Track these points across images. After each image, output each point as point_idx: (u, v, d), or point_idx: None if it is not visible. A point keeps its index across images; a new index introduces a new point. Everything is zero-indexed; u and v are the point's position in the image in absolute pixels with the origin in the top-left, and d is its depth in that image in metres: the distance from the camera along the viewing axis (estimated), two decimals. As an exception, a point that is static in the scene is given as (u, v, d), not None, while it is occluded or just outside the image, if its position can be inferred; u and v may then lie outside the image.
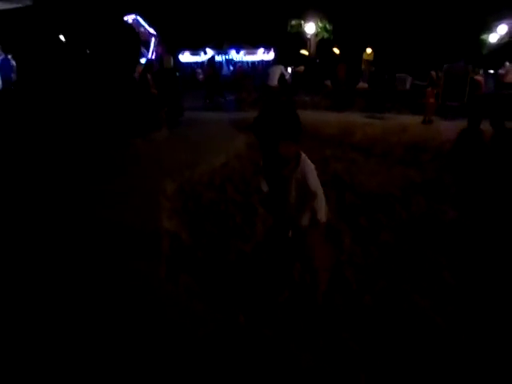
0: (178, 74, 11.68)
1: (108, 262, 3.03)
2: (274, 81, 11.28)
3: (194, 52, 23.79)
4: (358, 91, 14.16)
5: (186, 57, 23.88)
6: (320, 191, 2.31)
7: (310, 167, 2.26)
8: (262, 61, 22.40)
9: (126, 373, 1.99)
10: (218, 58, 22.68)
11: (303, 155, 2.27)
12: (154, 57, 19.14)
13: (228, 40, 23.02)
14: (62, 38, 11.48)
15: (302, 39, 23.27)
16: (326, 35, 23.41)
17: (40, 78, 9.47)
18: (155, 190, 4.62)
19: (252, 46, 22.84)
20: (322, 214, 2.34)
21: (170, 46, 20.82)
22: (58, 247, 3.28)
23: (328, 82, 15.45)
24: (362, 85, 15.02)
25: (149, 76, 9.72)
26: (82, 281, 2.79)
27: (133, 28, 16.28)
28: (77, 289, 2.71)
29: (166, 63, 11.97)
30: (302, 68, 18.56)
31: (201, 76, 10.90)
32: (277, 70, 11.65)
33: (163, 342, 2.19)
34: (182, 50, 23.51)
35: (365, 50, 19.32)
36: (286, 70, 13.83)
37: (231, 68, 22.74)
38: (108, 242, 3.36)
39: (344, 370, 2.07)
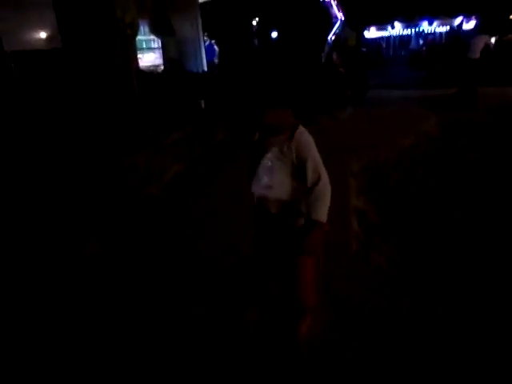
0: (364, 50, 11.35)
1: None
2: (477, 53, 9.86)
3: (381, 27, 22.65)
4: None
5: (371, 32, 22.96)
6: (324, 176, 1.64)
7: (308, 141, 1.65)
8: (459, 31, 19.87)
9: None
10: (407, 31, 21.09)
11: (301, 127, 1.68)
12: (338, 34, 19.00)
13: (419, 11, 21.11)
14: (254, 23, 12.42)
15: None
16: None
17: (237, 61, 10.48)
18: (341, 168, 4.66)
19: (447, 16, 20.44)
20: (323, 212, 1.65)
21: (355, 22, 20.30)
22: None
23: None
24: None
25: (334, 55, 9.73)
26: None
27: (326, 8, 16.43)
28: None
29: (349, 41, 11.77)
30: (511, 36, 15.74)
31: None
32: (480, 41, 10.13)
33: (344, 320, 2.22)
34: (367, 25, 22.67)
35: None
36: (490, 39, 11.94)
37: (420, 42, 20.89)
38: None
39: None
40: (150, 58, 9.21)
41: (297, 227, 1.74)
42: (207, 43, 13.79)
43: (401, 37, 22.45)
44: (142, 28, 7.58)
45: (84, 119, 4.60)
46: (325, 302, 2.28)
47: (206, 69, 10.92)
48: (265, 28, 11.61)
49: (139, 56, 8.22)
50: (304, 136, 1.64)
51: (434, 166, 4.77)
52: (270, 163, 1.68)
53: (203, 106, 7.76)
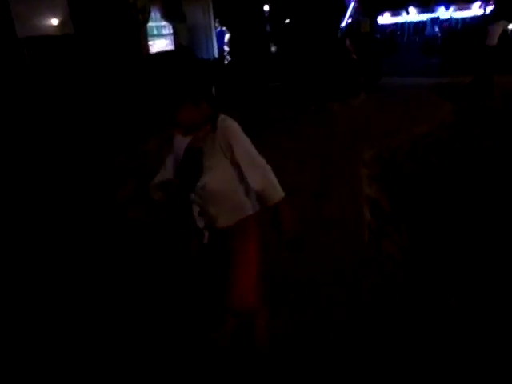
0: (377, 36, 11.14)
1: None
2: (494, 39, 9.61)
3: (395, 12, 22.20)
4: None
5: (385, 18, 22.52)
6: (260, 157, 1.51)
7: (233, 126, 1.51)
8: (476, 17, 19.38)
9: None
10: (421, 17, 20.64)
11: (222, 115, 1.54)
12: (350, 20, 18.68)
13: (435, -4, 20.65)
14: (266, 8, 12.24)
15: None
16: None
17: (247, 47, 10.38)
18: (353, 156, 4.62)
19: (464, 1, 19.93)
20: (278, 189, 1.50)
21: (368, 7, 19.88)
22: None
23: None
24: None
25: (347, 41, 9.59)
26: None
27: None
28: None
29: (363, 27, 11.54)
30: (530, 22, 15.29)
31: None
32: (498, 27, 9.87)
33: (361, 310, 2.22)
34: (381, 11, 22.23)
35: None
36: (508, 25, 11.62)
37: (436, 28, 20.43)
38: (311, 205, 3.55)
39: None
40: (161, 45, 9.17)
41: (242, 220, 1.62)
42: (218, 29, 13.66)
43: (415, 23, 21.98)
44: (153, 14, 7.54)
45: (96, 105, 4.61)
46: (337, 291, 2.29)
47: (216, 55, 10.86)
48: (277, 14, 11.43)
49: (150, 42, 8.20)
50: (226, 122, 1.51)
51: (449, 155, 4.69)
52: (201, 162, 1.53)
53: (214, 92, 7.72)
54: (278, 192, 1.50)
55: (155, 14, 8.16)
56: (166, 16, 8.12)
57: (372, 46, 10.40)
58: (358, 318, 2.07)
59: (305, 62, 8.29)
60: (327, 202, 3.52)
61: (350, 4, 19.60)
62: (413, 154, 4.83)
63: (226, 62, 11.04)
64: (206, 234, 1.67)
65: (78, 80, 4.71)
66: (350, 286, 2.34)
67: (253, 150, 1.51)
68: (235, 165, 1.51)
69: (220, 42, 13.46)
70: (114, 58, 5.22)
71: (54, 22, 4.57)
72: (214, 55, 10.28)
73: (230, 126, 1.50)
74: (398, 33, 20.80)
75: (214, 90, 7.61)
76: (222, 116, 1.53)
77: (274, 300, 2.17)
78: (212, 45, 10.94)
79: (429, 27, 20.61)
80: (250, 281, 1.66)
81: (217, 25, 13.46)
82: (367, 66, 9.11)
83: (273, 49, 11.48)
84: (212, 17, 10.73)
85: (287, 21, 11.80)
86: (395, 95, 8.61)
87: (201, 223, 1.67)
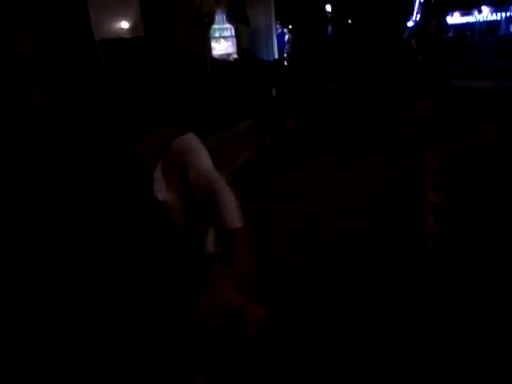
0: (445, 36, 10.61)
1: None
2: None
3: (465, 12, 21.02)
4: None
5: (455, 18, 21.39)
6: (216, 181, 1.32)
7: (188, 146, 1.37)
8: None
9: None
10: (495, 17, 19.36)
11: (182, 136, 1.38)
12: (418, 19, 17.94)
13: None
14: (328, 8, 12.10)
15: None
16: None
17: (307, 49, 10.33)
18: (417, 162, 4.46)
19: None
20: (232, 218, 1.29)
21: (436, 6, 18.99)
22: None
23: None
24: None
25: (413, 42, 9.23)
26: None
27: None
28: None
29: (429, 27, 11.03)
30: None
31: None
32: None
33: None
34: (450, 10, 21.15)
35: None
36: None
37: (511, 28, 19.08)
38: (365, 211, 3.46)
39: None
40: (222, 47, 9.36)
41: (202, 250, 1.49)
42: (279, 31, 13.72)
43: (488, 22, 20.64)
44: (217, 17, 7.72)
45: (163, 103, 4.79)
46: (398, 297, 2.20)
47: (276, 57, 10.90)
48: (340, 14, 11.26)
49: (212, 45, 8.39)
50: (181, 144, 1.35)
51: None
52: (160, 192, 1.37)
53: (274, 94, 7.76)
54: (232, 219, 1.28)
55: (219, 17, 8.34)
56: (230, 18, 8.28)
57: (439, 47, 9.93)
58: (420, 334, 1.98)
59: (368, 63, 8.10)
60: (389, 207, 3.42)
61: (416, 3, 18.85)
62: (483, 162, 4.54)
63: (286, 64, 11.04)
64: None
65: (147, 80, 4.91)
66: (412, 294, 2.25)
67: (211, 172, 1.34)
68: (189, 189, 1.34)
69: (280, 43, 13.50)
70: (180, 59, 5.41)
71: (126, 24, 4.80)
72: (274, 57, 10.32)
73: (186, 146, 1.36)
74: (469, 33, 19.65)
75: (274, 91, 7.69)
76: (181, 137, 1.37)
77: (353, 310, 2.15)
78: (272, 47, 10.98)
79: (503, 27, 19.26)
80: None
81: (278, 27, 13.53)
82: (434, 68, 8.70)
83: (333, 50, 11.32)
84: (274, 19, 10.77)
85: (350, 21, 11.61)
86: (464, 99, 8.14)
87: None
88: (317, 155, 5.15)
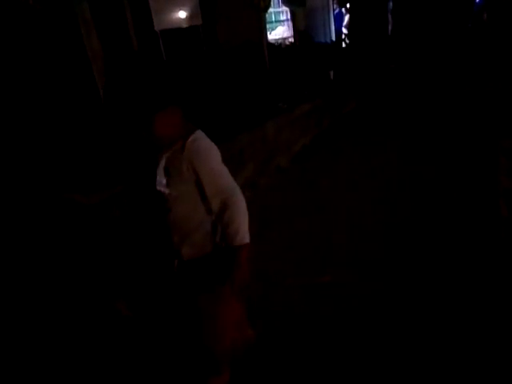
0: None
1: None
2: None
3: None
4: None
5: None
6: (231, 188, 1.34)
7: (203, 149, 1.34)
8: None
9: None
10: None
11: (196, 133, 1.35)
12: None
13: None
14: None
15: None
16: None
17: (366, 28, 9.88)
18: (488, 144, 4.17)
19: None
20: (243, 233, 1.33)
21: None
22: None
23: None
24: None
25: (485, 15, 8.52)
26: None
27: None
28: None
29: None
30: None
31: None
32: None
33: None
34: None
35: None
36: None
37: None
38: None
39: None
40: (278, 31, 9.23)
41: (208, 254, 1.45)
42: (336, 11, 13.20)
43: None
44: (272, 0, 7.59)
45: (221, 90, 4.82)
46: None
47: (334, 38, 10.55)
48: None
49: (268, 29, 8.28)
50: (196, 144, 1.33)
51: None
52: (167, 188, 1.35)
53: (332, 77, 7.54)
54: (241, 236, 1.33)
55: (274, 0, 8.20)
56: (286, 1, 8.11)
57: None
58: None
59: (433, 39, 7.59)
60: (456, 194, 3.23)
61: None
62: None
63: (344, 45, 10.66)
64: (176, 262, 1.49)
65: (204, 69, 4.97)
66: (483, 284, 2.11)
67: (226, 178, 1.36)
68: (202, 192, 1.35)
69: (338, 24, 13.01)
70: (238, 45, 5.41)
71: (184, 14, 4.87)
72: (331, 38, 10.00)
73: (202, 148, 1.34)
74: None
75: (332, 74, 7.48)
76: (196, 135, 1.36)
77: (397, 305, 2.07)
78: (330, 28, 10.62)
79: None
80: (218, 327, 1.48)
81: (335, 6, 13.03)
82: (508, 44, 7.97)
83: (395, 27, 10.73)
84: (330, -2, 10.41)
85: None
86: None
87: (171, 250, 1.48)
88: (377, 139, 4.96)
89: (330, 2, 10.76)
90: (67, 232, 2.19)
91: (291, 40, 8.54)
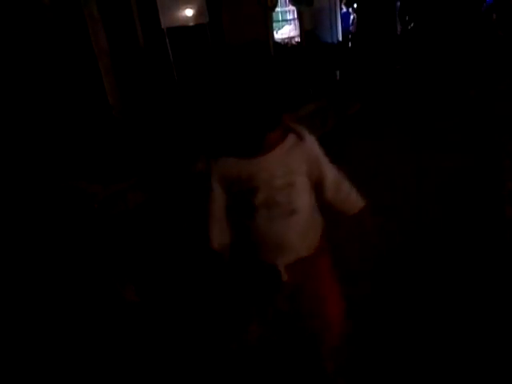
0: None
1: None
2: None
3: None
4: None
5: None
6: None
7: (312, 139, 1.34)
8: None
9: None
10: None
11: (298, 128, 1.32)
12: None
13: None
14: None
15: None
16: None
17: (374, 28, 9.85)
18: (492, 146, 4.14)
19: None
20: (359, 198, 1.50)
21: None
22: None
23: None
24: None
25: (494, 15, 8.46)
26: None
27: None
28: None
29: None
30: None
31: None
32: None
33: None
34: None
35: None
36: None
37: None
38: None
39: None
40: (284, 30, 9.21)
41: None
42: (343, 11, 13.16)
43: None
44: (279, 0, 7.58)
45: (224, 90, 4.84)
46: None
47: (340, 38, 10.52)
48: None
49: (275, 28, 8.27)
50: (302, 129, 1.35)
51: None
52: (285, 187, 1.29)
53: (338, 77, 7.53)
54: (360, 199, 1.50)
55: (281, 0, 8.19)
56: (294, 0, 8.10)
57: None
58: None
59: (440, 40, 7.53)
60: (461, 196, 3.22)
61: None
62: None
63: (351, 45, 10.62)
64: (283, 270, 1.38)
65: (208, 66, 4.98)
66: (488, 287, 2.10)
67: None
68: (310, 181, 1.36)
69: (345, 24, 12.96)
70: (242, 45, 5.41)
71: (191, 12, 4.88)
72: (338, 38, 9.98)
73: (313, 138, 1.35)
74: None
75: (338, 74, 7.46)
76: (298, 128, 1.33)
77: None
78: (336, 28, 10.60)
79: None
80: (339, 304, 1.51)
81: (342, 6, 12.98)
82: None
83: (402, 28, 10.68)
84: (337, -2, 10.39)
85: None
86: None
87: (276, 259, 1.38)
88: (381, 141, 4.93)
89: (337, 2, 10.73)
90: (77, 220, 2.25)
91: (297, 39, 8.53)
